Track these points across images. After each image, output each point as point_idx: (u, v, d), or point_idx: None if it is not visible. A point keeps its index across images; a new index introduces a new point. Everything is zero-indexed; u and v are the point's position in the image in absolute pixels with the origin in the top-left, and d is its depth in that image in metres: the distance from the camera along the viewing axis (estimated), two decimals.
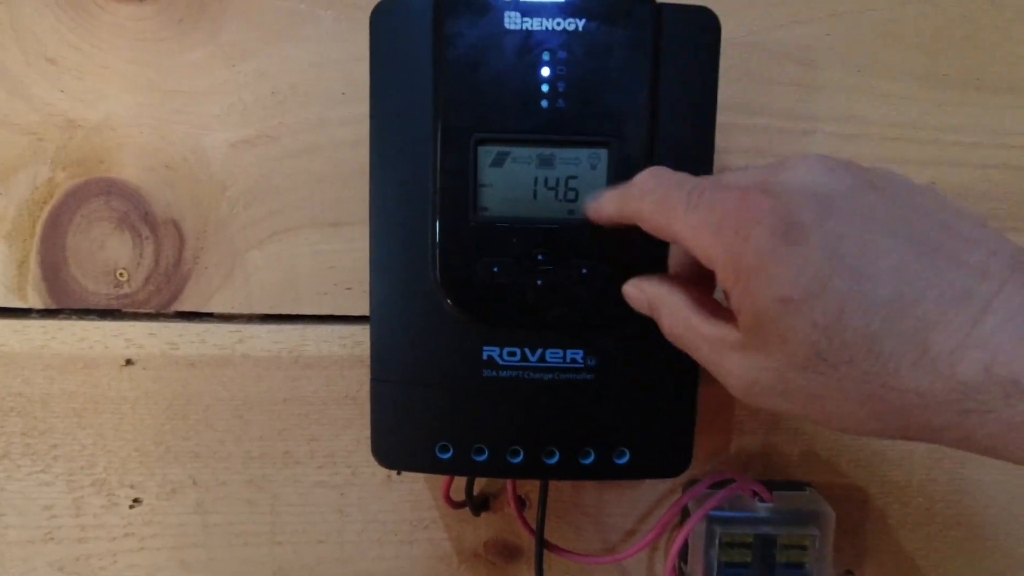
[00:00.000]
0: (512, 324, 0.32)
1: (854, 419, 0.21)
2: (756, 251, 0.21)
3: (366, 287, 0.38)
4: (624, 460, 0.33)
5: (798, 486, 0.41)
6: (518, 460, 0.33)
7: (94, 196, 0.38)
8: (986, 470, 0.42)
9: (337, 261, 0.39)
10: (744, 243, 0.21)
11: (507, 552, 0.42)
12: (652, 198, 0.25)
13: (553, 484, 0.39)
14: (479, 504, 0.41)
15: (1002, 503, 0.42)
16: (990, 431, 0.19)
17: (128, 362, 0.39)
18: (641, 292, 0.28)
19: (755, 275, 0.21)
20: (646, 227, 0.26)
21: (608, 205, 0.28)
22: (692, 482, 0.40)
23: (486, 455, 0.33)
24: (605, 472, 0.33)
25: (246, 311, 0.39)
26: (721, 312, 0.25)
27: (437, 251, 0.31)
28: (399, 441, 0.33)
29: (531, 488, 0.41)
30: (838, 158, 0.23)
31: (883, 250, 0.20)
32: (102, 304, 0.39)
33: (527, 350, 0.32)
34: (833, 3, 0.37)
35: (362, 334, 0.39)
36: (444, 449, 0.33)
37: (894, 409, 0.20)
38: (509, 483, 0.39)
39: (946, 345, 0.19)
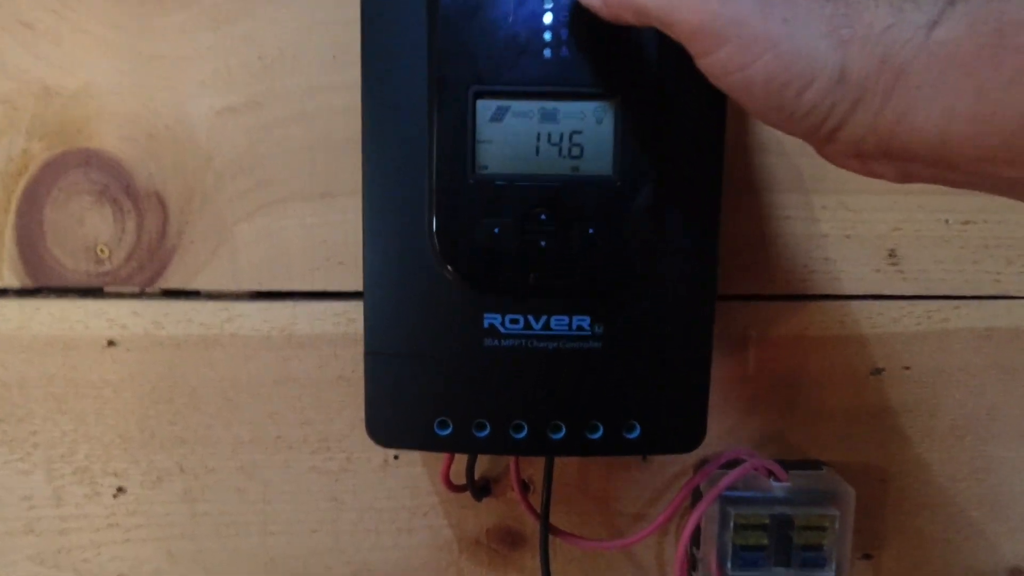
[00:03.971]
0: (513, 289, 0.30)
1: (817, 53, 0.21)
2: None
3: (359, 261, 0.36)
4: (634, 434, 0.31)
5: (814, 465, 0.39)
6: (522, 436, 0.31)
7: (72, 168, 0.36)
8: (1010, 446, 0.40)
9: (329, 235, 0.37)
10: None
11: (510, 539, 0.40)
12: None
13: (558, 465, 0.37)
14: (480, 489, 0.39)
15: None
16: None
17: (110, 343, 0.38)
18: None
19: None
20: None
21: None
22: (703, 462, 0.39)
23: (488, 431, 0.31)
24: (614, 447, 0.31)
25: (234, 288, 0.37)
26: None
27: (434, 213, 0.29)
28: (395, 417, 0.32)
29: (535, 471, 0.39)
30: None
31: None
32: (82, 282, 0.37)
33: (531, 317, 0.30)
34: None
35: (356, 311, 0.38)
36: (443, 425, 0.31)
37: (858, 37, 0.20)
38: (512, 464, 0.37)
39: None
